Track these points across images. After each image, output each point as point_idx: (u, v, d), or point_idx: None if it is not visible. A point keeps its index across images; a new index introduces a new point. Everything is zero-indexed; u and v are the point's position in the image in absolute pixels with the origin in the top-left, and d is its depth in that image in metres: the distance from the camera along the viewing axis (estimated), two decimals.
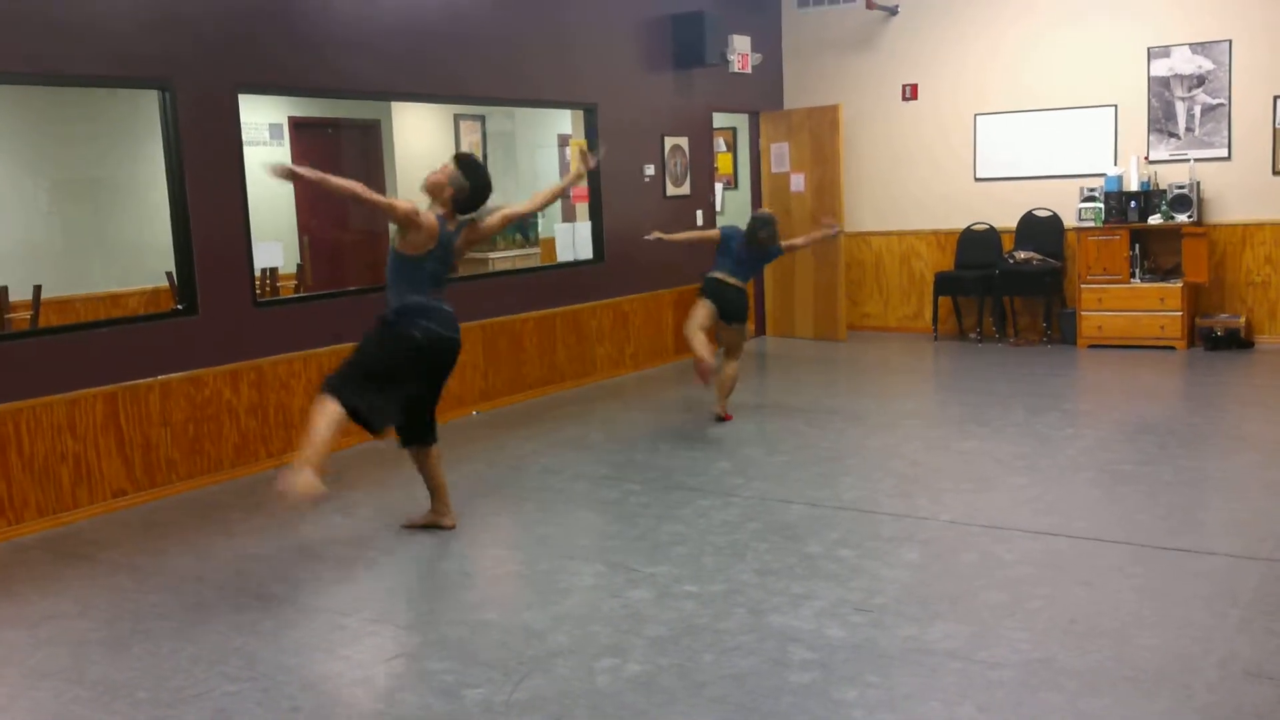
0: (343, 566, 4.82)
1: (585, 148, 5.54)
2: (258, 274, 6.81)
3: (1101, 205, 9.35)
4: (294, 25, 6.64)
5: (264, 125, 8.87)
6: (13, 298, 6.78)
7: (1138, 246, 9.25)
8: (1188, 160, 9.27)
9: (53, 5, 5.51)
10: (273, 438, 6.52)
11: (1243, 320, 9.16)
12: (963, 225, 10.30)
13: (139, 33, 5.87)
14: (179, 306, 6.20)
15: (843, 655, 3.68)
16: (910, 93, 10.53)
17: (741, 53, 10.18)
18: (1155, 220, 9.16)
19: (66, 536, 5.37)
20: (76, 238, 7.73)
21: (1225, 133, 9.17)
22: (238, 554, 4.99)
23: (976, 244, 10.20)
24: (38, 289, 6.85)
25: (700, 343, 6.85)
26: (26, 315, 6.78)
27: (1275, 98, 8.98)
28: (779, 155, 10.75)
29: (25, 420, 5.44)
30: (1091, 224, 9.36)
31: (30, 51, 5.45)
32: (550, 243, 9.58)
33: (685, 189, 9.85)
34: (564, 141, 9.42)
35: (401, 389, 4.82)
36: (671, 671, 3.61)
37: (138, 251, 7.48)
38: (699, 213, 10.02)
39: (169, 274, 6.49)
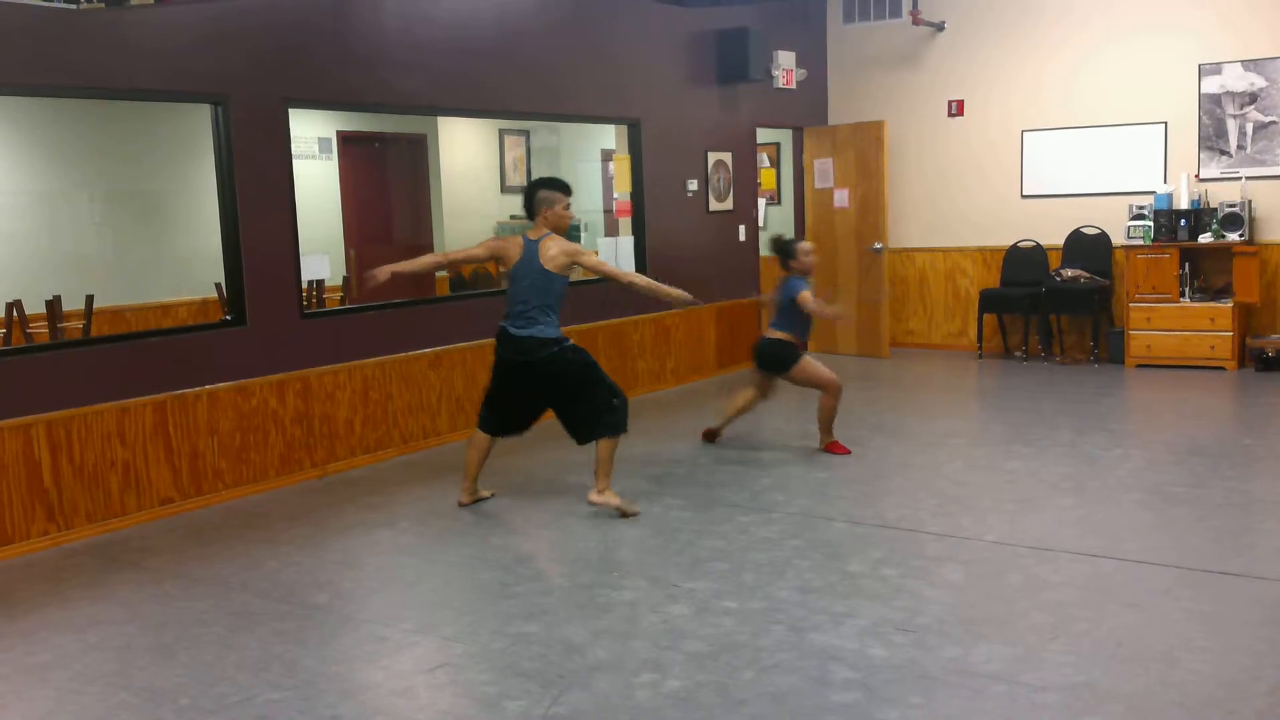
0: (385, 577, 4.86)
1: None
2: (305, 286, 6.88)
3: (1151, 223, 9.23)
4: (343, 41, 6.73)
5: (313, 139, 8.99)
6: (66, 307, 6.90)
7: (1187, 265, 9.12)
8: (1239, 178, 9.14)
9: (110, 21, 5.61)
10: (317, 447, 6.59)
11: None
12: (1009, 242, 10.21)
13: (194, 48, 5.97)
14: (228, 317, 6.29)
15: (885, 675, 3.65)
16: (956, 108, 10.47)
17: (786, 68, 10.18)
18: (1206, 239, 9.03)
19: (115, 543, 5.45)
20: (128, 249, 7.86)
21: (1278, 150, 9.03)
22: (282, 563, 5.04)
23: (1023, 261, 10.11)
24: (90, 299, 6.97)
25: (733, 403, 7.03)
26: (79, 325, 6.90)
27: None
28: (823, 171, 10.73)
29: (76, 427, 5.53)
30: (1140, 242, 9.25)
31: (87, 66, 5.57)
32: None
33: (728, 204, 9.85)
34: (607, 156, 9.46)
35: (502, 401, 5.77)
36: (710, 688, 3.59)
37: (188, 263, 7.59)
38: (741, 227, 10.02)
39: (218, 285, 6.59)
